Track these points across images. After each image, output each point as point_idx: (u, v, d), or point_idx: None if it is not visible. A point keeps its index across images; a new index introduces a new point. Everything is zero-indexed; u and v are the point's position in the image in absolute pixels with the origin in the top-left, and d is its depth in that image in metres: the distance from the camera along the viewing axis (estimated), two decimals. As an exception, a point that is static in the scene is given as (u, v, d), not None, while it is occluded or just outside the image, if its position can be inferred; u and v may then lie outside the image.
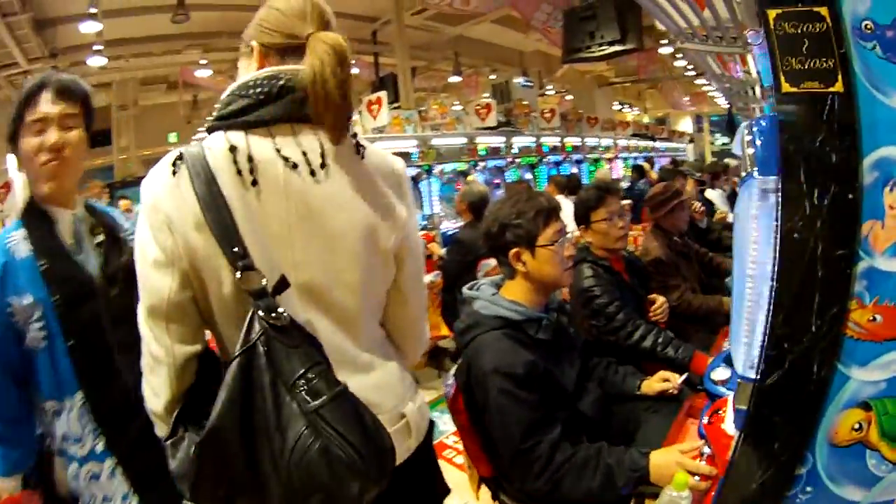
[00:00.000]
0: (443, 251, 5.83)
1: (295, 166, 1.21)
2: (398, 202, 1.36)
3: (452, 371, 2.21)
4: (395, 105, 8.32)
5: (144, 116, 15.22)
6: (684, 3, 1.79)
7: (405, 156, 6.58)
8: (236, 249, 1.13)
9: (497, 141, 8.16)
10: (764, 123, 1.30)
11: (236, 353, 1.11)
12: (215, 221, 1.14)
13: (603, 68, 16.41)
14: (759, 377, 1.24)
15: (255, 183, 1.18)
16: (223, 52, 10.86)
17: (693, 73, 15.05)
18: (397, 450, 1.27)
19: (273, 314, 1.12)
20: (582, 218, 2.98)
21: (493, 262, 5.50)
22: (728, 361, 2.00)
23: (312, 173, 1.22)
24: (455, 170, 7.41)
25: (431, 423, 1.52)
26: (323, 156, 1.23)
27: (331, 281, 1.27)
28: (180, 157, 1.19)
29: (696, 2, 1.79)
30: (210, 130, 1.25)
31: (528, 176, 9.08)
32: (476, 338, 1.99)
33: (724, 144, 24.45)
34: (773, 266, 1.20)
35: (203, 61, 11.67)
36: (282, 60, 1.27)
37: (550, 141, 9.71)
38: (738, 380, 1.38)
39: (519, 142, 8.73)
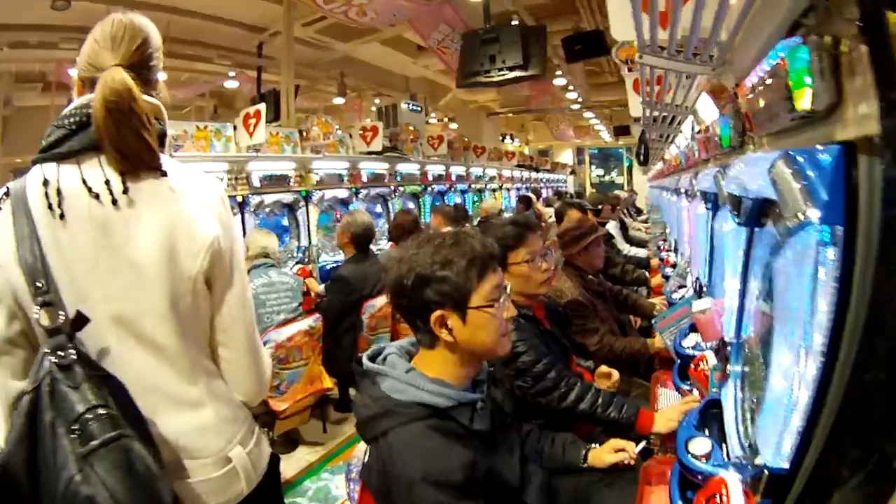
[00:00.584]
0: (321, 288, 5.32)
1: (97, 196, 1.24)
2: (206, 222, 1.33)
3: (353, 462, 1.75)
4: (276, 123, 7.68)
5: (17, 119, 13.40)
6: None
7: (282, 179, 5.96)
8: (39, 284, 1.19)
9: (381, 167, 7.68)
10: (825, 157, 0.98)
11: (25, 391, 1.15)
12: (24, 257, 1.19)
13: (488, 98, 16.46)
14: (831, 482, 1.01)
15: (62, 216, 1.22)
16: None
17: (578, 106, 15.34)
18: (224, 495, 1.36)
19: (60, 352, 1.15)
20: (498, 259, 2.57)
21: (379, 301, 5.11)
22: (699, 427, 1.77)
23: (114, 202, 1.24)
24: (335, 197, 6.82)
25: (274, 462, 1.54)
26: (124, 182, 1.25)
27: (140, 311, 1.27)
28: (7, 193, 1.26)
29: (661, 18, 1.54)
30: (34, 163, 1.29)
31: (411, 205, 8.71)
32: (390, 432, 1.45)
33: (600, 176, 25.49)
34: (850, 341, 0.96)
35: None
36: (93, 90, 1.27)
37: (436, 169, 9.40)
38: (765, 469, 1.19)
39: (404, 168, 8.32)
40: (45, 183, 1.22)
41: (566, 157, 24.77)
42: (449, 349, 1.55)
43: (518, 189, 13.64)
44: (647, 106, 2.76)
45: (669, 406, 2.36)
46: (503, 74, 7.10)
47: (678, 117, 3.10)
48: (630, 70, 4.50)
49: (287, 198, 6.01)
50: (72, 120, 1.26)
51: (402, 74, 13.98)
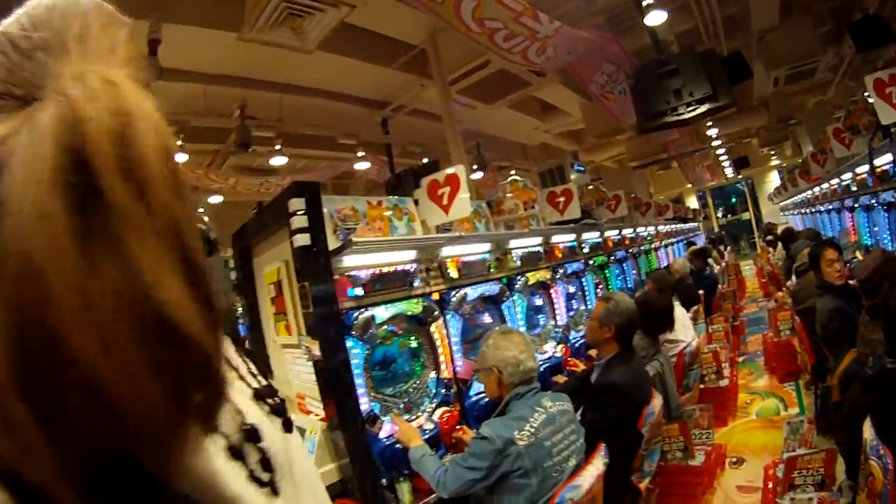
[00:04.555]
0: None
1: None
2: None
3: None
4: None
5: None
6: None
7: (478, 265, 4.46)
8: None
9: (568, 238, 6.23)
10: None
11: None
12: None
13: (607, 157, 15.06)
14: None
15: None
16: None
17: (717, 143, 13.73)
18: None
19: None
20: None
21: (657, 405, 3.62)
22: None
23: None
24: (538, 281, 5.26)
25: None
26: None
27: None
28: None
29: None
30: None
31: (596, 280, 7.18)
32: None
33: (728, 218, 23.52)
34: None
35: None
36: None
37: (611, 234, 7.92)
38: None
39: (590, 237, 6.87)
40: None
41: (692, 202, 22.92)
42: None
43: (671, 244, 12.04)
44: None
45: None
46: (693, 110, 5.79)
47: None
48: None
49: (490, 289, 4.50)
50: None
51: (516, 142, 12.78)
